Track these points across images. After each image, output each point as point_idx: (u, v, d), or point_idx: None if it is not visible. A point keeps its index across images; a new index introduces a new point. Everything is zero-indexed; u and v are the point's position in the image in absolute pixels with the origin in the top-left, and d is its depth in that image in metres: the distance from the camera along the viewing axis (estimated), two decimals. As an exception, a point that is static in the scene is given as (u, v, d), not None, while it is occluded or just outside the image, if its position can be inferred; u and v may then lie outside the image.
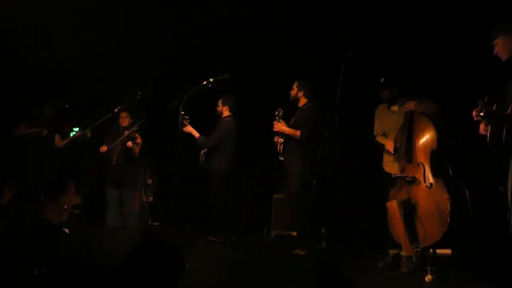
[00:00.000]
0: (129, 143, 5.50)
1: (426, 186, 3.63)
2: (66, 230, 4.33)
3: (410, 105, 3.83)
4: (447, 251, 4.11)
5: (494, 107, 2.95)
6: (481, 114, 2.95)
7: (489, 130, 3.00)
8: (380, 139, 4.19)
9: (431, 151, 3.65)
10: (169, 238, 4.56)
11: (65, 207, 6.08)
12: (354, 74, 3.92)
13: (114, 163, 5.66)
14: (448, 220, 3.47)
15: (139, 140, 5.58)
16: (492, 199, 4.08)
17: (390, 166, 4.04)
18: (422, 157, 3.69)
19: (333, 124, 3.89)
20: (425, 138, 3.72)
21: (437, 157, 3.63)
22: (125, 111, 5.67)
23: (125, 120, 5.70)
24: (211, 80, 4.62)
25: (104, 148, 5.63)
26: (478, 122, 3.17)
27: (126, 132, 5.51)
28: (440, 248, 3.93)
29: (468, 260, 3.91)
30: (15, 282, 3.17)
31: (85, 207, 6.31)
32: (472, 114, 3.11)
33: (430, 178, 3.62)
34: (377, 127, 4.22)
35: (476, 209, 3.91)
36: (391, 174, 3.94)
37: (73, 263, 3.49)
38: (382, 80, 4.14)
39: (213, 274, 3.46)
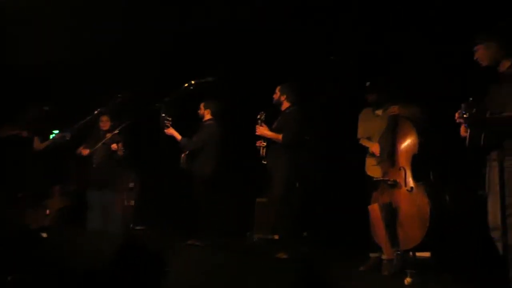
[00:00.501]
0: (114, 146, 5.45)
1: (407, 190, 3.65)
2: (44, 235, 4.27)
3: (394, 109, 3.87)
4: (426, 254, 4.16)
5: (473, 111, 2.99)
6: (464, 116, 2.98)
7: (468, 133, 3.04)
8: (364, 142, 4.23)
9: (413, 155, 3.68)
10: (150, 242, 4.54)
11: (47, 212, 5.97)
12: (338, 77, 3.95)
13: (95, 165, 5.61)
14: (428, 224, 3.49)
15: (120, 144, 5.54)
16: (472, 203, 4.15)
17: (373, 169, 4.08)
18: (403, 161, 3.72)
19: (315, 127, 3.92)
20: (407, 142, 3.75)
21: (418, 162, 3.66)
22: (106, 115, 5.64)
23: (106, 123, 5.65)
24: (193, 82, 4.62)
25: (85, 151, 5.57)
26: (459, 125, 3.21)
27: (108, 135, 5.47)
28: (419, 251, 3.98)
29: (448, 263, 3.96)
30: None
31: (69, 211, 6.23)
32: (455, 116, 3.13)
33: (411, 182, 3.64)
34: (361, 131, 4.26)
35: (456, 213, 3.98)
36: (373, 177, 3.97)
37: (50, 267, 3.44)
38: (368, 83, 4.18)
39: (195, 278, 3.45)
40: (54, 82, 6.12)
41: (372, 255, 4.08)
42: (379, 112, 4.18)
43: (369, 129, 4.22)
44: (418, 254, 3.97)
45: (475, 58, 3.18)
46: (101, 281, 2.85)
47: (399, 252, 3.74)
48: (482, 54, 3.14)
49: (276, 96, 4.77)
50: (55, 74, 6.07)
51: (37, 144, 5.82)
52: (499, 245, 3.00)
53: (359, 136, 4.27)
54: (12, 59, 5.64)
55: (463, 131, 3.12)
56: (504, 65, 3.09)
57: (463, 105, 3.03)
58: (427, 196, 3.54)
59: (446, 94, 4.23)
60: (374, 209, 3.84)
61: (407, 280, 3.51)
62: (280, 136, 4.62)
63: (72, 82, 6.18)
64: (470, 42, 3.20)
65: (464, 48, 3.31)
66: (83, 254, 3.71)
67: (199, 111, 5.30)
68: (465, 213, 4.15)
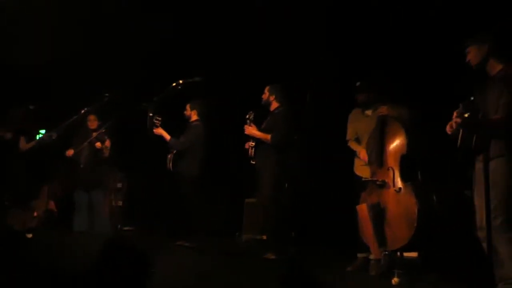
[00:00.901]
0: (98, 144, 5.41)
1: (395, 190, 3.66)
2: (29, 235, 4.21)
3: (383, 110, 3.87)
4: (414, 254, 4.18)
5: (469, 113, 3.00)
6: (465, 115, 2.98)
7: (460, 134, 3.04)
8: (352, 145, 4.22)
9: (401, 155, 3.68)
10: (137, 243, 4.50)
11: (35, 213, 5.89)
12: (326, 77, 3.95)
13: (82, 166, 5.55)
14: (415, 224, 3.50)
15: (107, 143, 5.49)
16: (458, 203, 4.18)
17: (362, 169, 4.08)
18: (392, 162, 3.72)
19: (303, 127, 3.91)
20: (396, 142, 3.74)
21: (406, 162, 3.66)
22: (93, 114, 5.59)
23: (93, 122, 5.61)
24: (181, 82, 4.59)
25: (70, 152, 5.52)
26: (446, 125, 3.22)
27: (94, 134, 5.42)
28: (407, 251, 4.00)
29: (434, 263, 3.98)
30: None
31: (57, 212, 6.15)
32: (452, 115, 3.12)
33: (399, 183, 3.64)
34: (350, 132, 4.25)
35: (443, 213, 4.00)
36: (362, 177, 3.96)
37: (35, 268, 3.40)
38: (358, 84, 4.18)
39: (182, 279, 3.42)
40: (40, 81, 6.04)
41: (359, 255, 4.08)
42: (368, 112, 4.18)
43: (358, 129, 4.21)
44: (405, 254, 3.99)
45: (467, 60, 3.18)
46: (86, 282, 2.82)
47: (386, 252, 3.76)
48: (473, 55, 3.15)
49: (265, 96, 4.77)
50: (42, 73, 5.99)
51: (23, 144, 5.74)
52: (485, 246, 3.01)
53: (348, 137, 4.26)
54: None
55: (449, 129, 3.12)
56: (495, 68, 3.10)
57: (461, 105, 3.03)
58: (415, 196, 3.54)
59: (434, 95, 4.26)
60: (362, 209, 3.84)
61: (395, 280, 3.53)
62: (269, 137, 4.61)
63: (58, 81, 6.11)
64: (461, 42, 3.21)
65: (454, 48, 3.33)
66: (69, 255, 3.67)
67: (185, 112, 5.27)
68: (451, 213, 4.19)
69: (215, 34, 5.84)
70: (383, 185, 3.72)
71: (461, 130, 3.03)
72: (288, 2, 5.28)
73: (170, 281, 3.13)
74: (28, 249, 3.84)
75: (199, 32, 5.90)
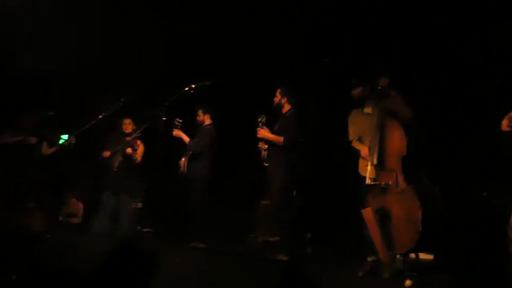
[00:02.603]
0: (128, 150, 5.47)
1: (398, 192, 3.61)
2: (48, 236, 4.33)
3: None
4: (429, 256, 4.11)
5: None
6: None
7: None
8: (356, 145, 4.16)
9: (402, 157, 3.63)
10: (151, 244, 4.58)
11: (60, 218, 6.05)
12: (331, 79, 3.93)
13: (115, 169, 5.61)
14: (419, 229, 3.44)
15: (141, 147, 5.54)
16: (474, 205, 4.10)
17: (366, 170, 4.02)
18: (393, 163, 3.68)
19: (311, 129, 3.91)
20: (396, 144, 3.70)
21: (408, 163, 3.61)
22: (129, 118, 5.61)
23: (128, 126, 5.62)
24: (192, 86, 4.65)
25: (107, 153, 5.59)
26: (457, 127, 3.16)
27: (128, 139, 5.48)
28: (422, 253, 3.94)
29: (450, 265, 3.91)
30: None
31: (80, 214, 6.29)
32: (502, 123, 3.05)
33: (402, 184, 3.60)
34: (352, 132, 4.20)
35: (457, 214, 3.93)
36: (367, 178, 3.90)
37: (52, 269, 3.50)
38: (354, 80, 4.13)
39: (192, 280, 3.47)
40: (58, 87, 6.21)
41: (369, 258, 4.02)
42: (368, 109, 4.10)
43: (360, 128, 4.14)
44: (421, 256, 3.94)
45: None
46: (93, 283, 2.89)
47: (399, 255, 3.71)
48: None
49: (277, 99, 4.77)
50: (58, 79, 6.15)
51: (46, 149, 5.89)
52: None
53: (351, 137, 4.21)
54: (15, 65, 5.74)
55: (506, 125, 3.02)
56: None
57: None
58: (418, 199, 3.48)
59: (440, 94, 4.19)
60: (367, 213, 3.80)
61: (407, 282, 3.48)
62: (281, 139, 4.62)
63: (76, 87, 6.26)
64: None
65: (460, 46, 3.27)
66: (84, 256, 3.75)
67: (197, 118, 5.33)
68: (468, 214, 4.10)
69: (225, 37, 5.88)
70: (387, 188, 3.67)
71: None
72: (294, 6, 5.29)
73: (180, 282, 3.18)
74: (45, 250, 3.94)
75: (210, 37, 5.94)
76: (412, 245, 3.52)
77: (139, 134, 5.45)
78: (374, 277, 3.88)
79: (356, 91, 4.10)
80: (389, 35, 4.72)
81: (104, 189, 5.66)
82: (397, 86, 3.82)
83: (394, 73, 3.92)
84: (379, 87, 3.85)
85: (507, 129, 3.01)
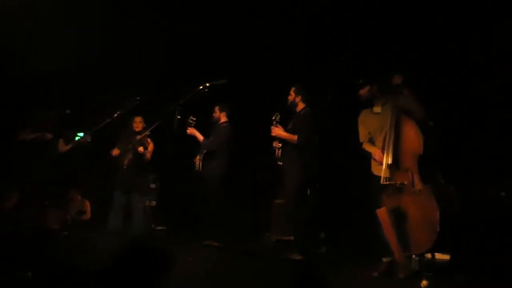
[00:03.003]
0: (141, 148, 5.49)
1: (414, 192, 3.56)
2: (65, 233, 4.38)
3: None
4: (446, 257, 4.06)
5: None
6: None
7: None
8: (367, 147, 4.10)
9: (419, 156, 3.57)
10: (164, 242, 4.60)
11: (68, 216, 6.12)
12: (347, 78, 3.90)
13: (125, 167, 5.65)
14: (438, 229, 3.38)
15: (151, 145, 5.57)
16: (491, 205, 4.04)
17: (379, 169, 3.96)
18: (409, 163, 3.62)
19: (326, 128, 3.88)
20: (411, 142, 3.63)
21: (425, 162, 3.55)
22: (139, 116, 5.66)
23: (139, 124, 5.65)
24: (207, 84, 4.65)
25: (116, 152, 5.63)
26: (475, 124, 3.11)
27: (138, 137, 5.50)
28: (438, 253, 3.89)
29: (467, 265, 3.86)
30: (9, 283, 3.24)
31: (92, 212, 6.34)
32: None
33: (418, 184, 3.54)
34: (362, 133, 4.14)
35: (474, 215, 3.87)
36: (380, 177, 3.81)
37: (67, 267, 3.53)
38: (361, 81, 4.08)
39: (206, 279, 3.47)
40: (74, 86, 6.27)
41: (384, 259, 3.97)
42: (377, 109, 4.05)
43: (370, 129, 4.09)
44: (437, 256, 3.89)
45: None
46: (112, 280, 2.91)
47: (414, 256, 3.67)
48: None
49: (291, 97, 4.75)
50: (75, 78, 6.22)
51: (62, 147, 5.96)
52: None
53: (361, 139, 4.15)
54: (31, 64, 5.82)
55: None
56: None
57: None
58: (435, 199, 3.42)
59: (459, 92, 4.13)
60: (382, 212, 3.76)
61: (424, 283, 3.44)
62: (295, 137, 4.60)
63: (92, 86, 6.32)
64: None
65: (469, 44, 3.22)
66: (99, 254, 3.79)
67: (214, 115, 5.34)
68: (485, 215, 4.05)
69: (240, 36, 5.88)
70: (402, 188, 3.62)
71: None
72: (308, 5, 5.26)
73: (192, 280, 3.18)
74: (61, 247, 3.99)
75: (225, 35, 5.95)
76: (430, 246, 3.47)
77: (149, 132, 5.47)
78: (390, 277, 3.84)
79: (364, 91, 4.05)
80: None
81: (115, 187, 5.70)
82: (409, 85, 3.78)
83: (394, 73, 3.88)
84: (392, 86, 3.80)
85: None
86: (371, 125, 4.07)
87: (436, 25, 4.35)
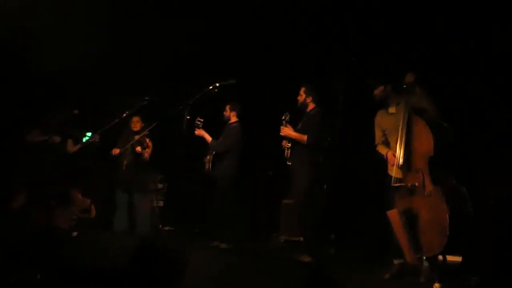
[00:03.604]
0: (138, 148, 5.50)
1: (425, 194, 3.52)
2: (74, 233, 4.37)
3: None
4: (458, 259, 4.01)
5: None
6: None
7: None
8: (380, 149, 4.04)
9: (430, 157, 3.53)
10: (172, 243, 4.58)
11: (74, 217, 6.12)
12: (358, 79, 3.86)
13: (124, 167, 5.67)
14: (447, 233, 3.35)
15: (149, 145, 5.57)
16: (503, 206, 3.98)
17: (393, 169, 3.90)
18: (421, 164, 3.57)
19: (336, 129, 3.84)
20: (423, 144, 3.59)
21: (436, 164, 3.51)
22: (137, 116, 5.68)
23: (136, 124, 5.68)
24: (217, 85, 4.63)
25: (116, 151, 5.64)
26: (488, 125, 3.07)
27: (137, 137, 5.52)
28: (450, 255, 3.85)
29: (479, 267, 3.80)
30: (18, 284, 3.23)
31: (96, 211, 6.35)
32: None
33: (430, 186, 3.50)
34: (378, 135, 4.09)
35: (486, 216, 3.82)
36: (394, 178, 3.77)
37: (76, 267, 3.53)
38: (370, 81, 4.03)
39: (214, 280, 3.45)
40: (83, 86, 6.28)
41: (396, 261, 3.91)
42: (392, 109, 3.99)
43: (385, 129, 4.03)
44: (449, 258, 3.85)
45: None
46: (119, 280, 2.89)
47: (426, 258, 3.63)
48: None
49: (302, 98, 4.72)
50: (84, 78, 6.22)
51: (71, 147, 5.96)
52: None
53: (376, 141, 4.09)
54: (39, 64, 5.83)
55: None
56: None
57: None
58: (445, 201, 3.38)
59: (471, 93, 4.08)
60: (393, 215, 3.71)
61: (436, 286, 3.39)
62: (305, 137, 4.56)
63: (99, 86, 6.32)
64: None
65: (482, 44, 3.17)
66: (106, 254, 3.78)
67: (224, 113, 5.31)
68: (498, 216, 3.99)
69: (250, 36, 5.86)
70: (414, 190, 3.58)
71: None
72: (317, 5, 5.23)
73: (199, 281, 3.15)
74: (70, 247, 3.99)
75: (234, 35, 5.93)
76: (440, 248, 3.43)
77: (148, 132, 5.47)
78: (401, 280, 3.79)
79: (378, 91, 4.00)
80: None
81: (116, 187, 5.70)
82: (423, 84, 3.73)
83: (395, 73, 3.84)
84: (404, 85, 3.75)
85: None
86: (386, 125, 4.01)
87: (435, 25, 4.30)
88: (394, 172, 3.75)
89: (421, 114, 3.67)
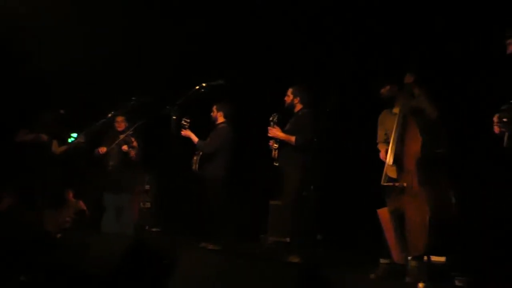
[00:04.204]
0: (125, 147, 5.46)
1: (412, 195, 3.55)
2: (58, 235, 4.33)
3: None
4: (442, 259, 4.06)
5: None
6: (504, 120, 2.86)
7: (506, 135, 2.91)
8: (380, 148, 4.05)
9: (418, 158, 3.56)
10: (161, 244, 4.57)
11: (67, 219, 6.06)
12: (347, 80, 3.89)
13: (110, 168, 5.63)
14: (427, 233, 3.38)
15: (134, 144, 5.54)
16: (489, 206, 4.04)
17: (385, 169, 3.93)
18: (411, 165, 3.60)
19: (325, 129, 3.87)
20: (413, 145, 3.62)
21: (424, 165, 3.54)
22: (121, 116, 5.64)
23: (121, 124, 5.63)
24: (204, 85, 4.61)
25: (103, 149, 5.59)
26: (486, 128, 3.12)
27: (122, 136, 5.47)
28: (434, 255, 3.89)
29: (463, 267, 3.86)
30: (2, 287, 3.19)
31: (86, 214, 6.30)
32: (493, 120, 3.02)
33: (416, 187, 3.53)
34: (380, 134, 4.10)
35: (469, 216, 3.87)
36: (391, 178, 3.81)
37: (63, 269, 3.50)
38: (379, 79, 4.03)
39: (203, 281, 3.44)
40: (69, 86, 6.23)
41: (382, 261, 3.93)
42: (396, 110, 3.97)
43: (387, 129, 4.01)
44: (433, 258, 3.89)
45: (508, 52, 3.02)
46: (107, 282, 2.89)
47: (411, 258, 3.67)
48: None
49: (289, 99, 4.73)
50: (70, 78, 6.17)
51: (56, 148, 5.91)
52: None
53: (378, 140, 4.11)
54: (26, 64, 5.78)
55: (497, 129, 2.99)
56: None
57: (503, 108, 2.91)
58: (427, 203, 3.41)
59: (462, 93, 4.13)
60: (383, 212, 3.76)
61: (420, 285, 3.43)
62: (293, 138, 4.58)
63: (86, 86, 6.28)
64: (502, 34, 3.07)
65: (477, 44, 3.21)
66: (94, 256, 3.75)
67: (212, 114, 5.31)
68: (482, 217, 4.05)
69: (238, 36, 5.86)
70: (403, 189, 3.61)
71: (506, 133, 2.89)
72: (306, 5, 5.25)
73: (188, 283, 3.15)
74: (56, 249, 3.94)
75: (222, 36, 5.93)
76: (423, 248, 3.46)
77: (132, 131, 5.43)
78: (387, 280, 3.83)
79: (384, 90, 4.00)
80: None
81: (104, 188, 5.65)
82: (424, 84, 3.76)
83: (396, 73, 3.87)
84: (403, 85, 3.78)
85: (499, 131, 2.99)
86: (388, 125, 3.99)
87: (436, 25, 4.34)
88: (384, 173, 3.78)
89: (420, 115, 3.68)
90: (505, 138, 2.93)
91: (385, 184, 3.73)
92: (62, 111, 5.49)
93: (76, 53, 5.81)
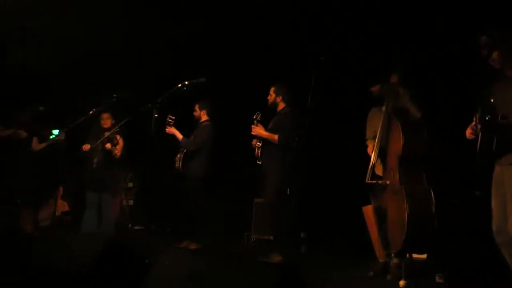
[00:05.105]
0: (108, 145, 5.37)
1: (393, 192, 3.58)
2: (35, 234, 4.25)
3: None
4: (423, 256, 4.09)
5: (488, 116, 2.90)
6: (486, 119, 2.88)
7: (480, 138, 2.92)
8: (368, 144, 4.09)
9: (399, 156, 3.58)
10: (140, 243, 4.52)
11: (48, 213, 5.96)
12: (327, 78, 3.88)
13: (94, 166, 5.53)
14: (405, 230, 3.39)
15: (120, 142, 5.45)
16: (469, 205, 4.08)
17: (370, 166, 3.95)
18: (393, 163, 3.64)
19: (306, 128, 3.87)
20: (395, 143, 3.64)
21: (404, 164, 3.56)
22: (107, 112, 5.55)
23: (107, 121, 5.48)
24: (186, 83, 4.57)
25: (87, 147, 5.49)
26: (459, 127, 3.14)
27: (107, 133, 5.40)
28: (416, 253, 3.92)
29: (443, 265, 3.89)
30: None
31: (70, 213, 6.23)
32: (466, 132, 3.04)
33: (396, 185, 3.56)
34: (368, 131, 4.14)
35: (449, 215, 3.91)
36: (379, 176, 3.84)
37: (35, 268, 3.42)
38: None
39: (180, 280, 3.40)
40: (49, 82, 6.13)
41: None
42: (384, 108, 3.98)
43: (376, 127, 4.02)
44: (414, 256, 3.92)
45: (487, 59, 3.02)
46: (83, 282, 2.84)
47: (393, 255, 3.69)
48: (498, 57, 2.95)
49: (271, 97, 4.72)
50: (50, 74, 6.08)
51: (36, 145, 5.80)
52: (503, 250, 2.92)
53: (367, 136, 4.15)
54: (6, 59, 5.67)
55: (469, 134, 3.02)
56: None
57: (481, 108, 2.92)
58: (406, 200, 3.43)
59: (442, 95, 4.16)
60: (368, 209, 3.79)
61: (402, 283, 3.45)
62: (276, 137, 4.57)
63: (67, 83, 6.19)
64: (476, 41, 3.08)
65: (461, 46, 3.22)
66: (70, 255, 3.67)
67: (194, 113, 5.28)
68: (462, 214, 4.09)
69: (221, 35, 5.83)
70: (386, 187, 3.64)
71: (480, 133, 2.90)
72: (290, 4, 5.24)
73: (167, 282, 3.11)
74: (32, 248, 3.86)
75: (205, 34, 5.90)
76: (401, 245, 3.47)
77: (118, 129, 5.36)
78: (366, 276, 3.85)
79: (375, 88, 4.01)
80: (389, 35, 4.67)
81: (86, 186, 5.52)
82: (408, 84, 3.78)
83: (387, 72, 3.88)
84: (389, 85, 3.81)
85: (472, 137, 2.99)
86: (376, 123, 4.01)
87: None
88: (368, 171, 3.80)
89: (404, 114, 3.71)
90: (479, 142, 2.94)
91: (369, 181, 3.76)
92: (41, 108, 5.38)
93: (57, 49, 5.72)
